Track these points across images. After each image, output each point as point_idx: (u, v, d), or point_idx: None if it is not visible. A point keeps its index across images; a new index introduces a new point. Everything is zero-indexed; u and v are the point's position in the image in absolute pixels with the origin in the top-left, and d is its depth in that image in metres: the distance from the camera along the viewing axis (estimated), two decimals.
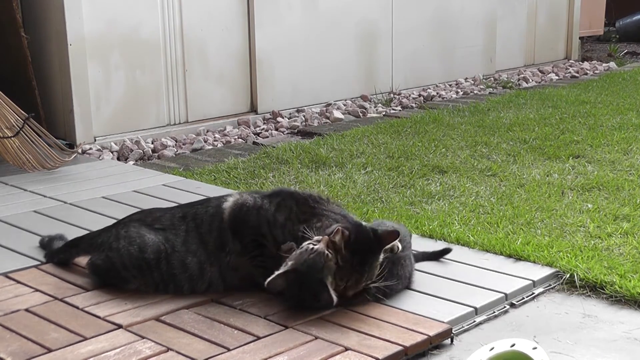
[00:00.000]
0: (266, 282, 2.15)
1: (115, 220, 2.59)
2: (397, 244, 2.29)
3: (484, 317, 2.28)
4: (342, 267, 2.16)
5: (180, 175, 3.79)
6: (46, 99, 4.41)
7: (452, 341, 2.15)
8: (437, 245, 2.79)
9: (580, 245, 2.75)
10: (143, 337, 2.08)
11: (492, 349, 1.93)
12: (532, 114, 5.26)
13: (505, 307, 2.36)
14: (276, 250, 2.25)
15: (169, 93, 4.85)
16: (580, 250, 2.70)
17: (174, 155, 4.41)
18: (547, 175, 3.73)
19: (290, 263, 2.15)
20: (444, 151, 4.23)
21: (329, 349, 2.01)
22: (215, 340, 2.06)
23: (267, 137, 4.93)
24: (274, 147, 4.34)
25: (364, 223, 2.32)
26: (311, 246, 2.16)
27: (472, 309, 2.28)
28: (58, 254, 2.60)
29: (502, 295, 2.38)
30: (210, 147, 4.61)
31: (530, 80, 7.03)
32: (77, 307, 2.26)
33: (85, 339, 2.07)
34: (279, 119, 5.30)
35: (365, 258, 2.18)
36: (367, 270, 2.19)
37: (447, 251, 2.66)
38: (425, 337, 2.08)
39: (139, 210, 2.83)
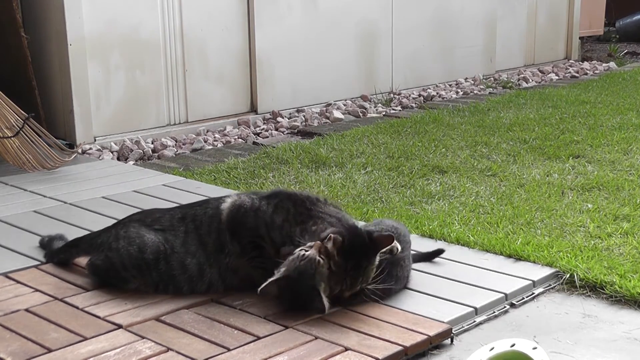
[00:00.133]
0: (259, 290, 2.16)
1: (115, 221, 2.59)
2: (396, 245, 2.29)
3: (484, 317, 2.28)
4: (336, 273, 2.15)
5: (180, 175, 3.79)
6: (46, 99, 4.41)
7: (452, 341, 2.15)
8: (437, 245, 2.79)
9: (580, 245, 2.75)
10: (143, 337, 2.08)
11: (492, 349, 1.93)
12: (532, 114, 5.26)
13: (505, 307, 2.36)
14: (274, 253, 2.25)
15: (169, 93, 4.85)
16: (580, 250, 2.70)
17: (174, 155, 4.41)
18: (547, 175, 3.73)
19: (282, 270, 2.15)
20: (444, 151, 4.23)
21: (329, 349, 2.01)
22: (215, 340, 2.06)
23: (267, 137, 4.93)
24: (274, 147, 4.34)
25: (359, 225, 2.30)
26: (302, 252, 2.15)
27: (472, 309, 2.28)
28: (58, 254, 2.60)
29: (502, 295, 2.38)
30: (210, 147, 4.61)
31: (530, 80, 7.03)
32: (77, 307, 2.26)
33: (85, 339, 2.07)
34: (279, 119, 5.30)
35: (359, 262, 2.17)
36: (361, 274, 2.18)
37: (439, 252, 2.65)
38: (425, 337, 2.08)
39: (139, 210, 2.83)
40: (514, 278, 2.50)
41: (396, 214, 3.12)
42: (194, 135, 4.83)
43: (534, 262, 2.62)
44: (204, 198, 2.67)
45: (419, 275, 2.49)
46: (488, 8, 7.04)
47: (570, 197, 3.37)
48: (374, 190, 3.52)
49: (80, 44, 4.34)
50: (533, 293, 2.45)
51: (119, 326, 2.14)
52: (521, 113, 5.29)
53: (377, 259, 2.21)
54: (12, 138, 3.69)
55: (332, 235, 2.14)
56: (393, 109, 5.76)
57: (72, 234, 2.74)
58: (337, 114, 5.40)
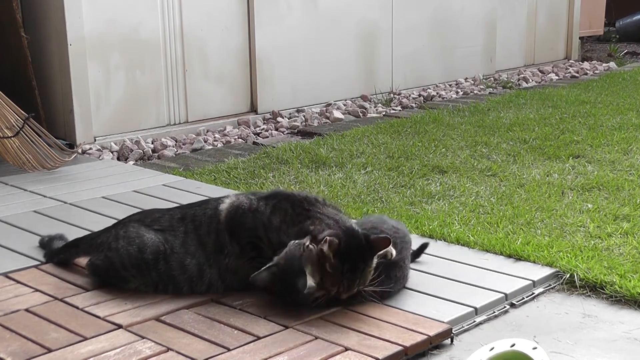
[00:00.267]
0: (250, 277, 2.18)
1: (115, 221, 2.59)
2: (391, 250, 2.28)
3: (484, 317, 2.28)
4: (332, 275, 2.16)
5: (180, 175, 3.79)
6: (46, 99, 4.41)
7: (452, 341, 2.15)
8: (437, 245, 2.79)
9: (580, 245, 2.75)
10: (143, 337, 2.08)
11: (492, 349, 1.93)
12: (532, 114, 5.26)
13: (505, 307, 2.36)
14: (272, 253, 2.25)
15: (169, 93, 4.85)
16: (580, 250, 2.70)
17: (174, 155, 4.41)
18: (547, 175, 3.73)
19: (274, 259, 2.18)
20: (444, 151, 4.23)
21: (329, 349, 2.01)
22: (215, 340, 2.06)
23: (267, 137, 4.93)
24: (274, 147, 4.34)
25: (357, 227, 2.29)
26: (294, 242, 2.18)
27: (472, 309, 2.28)
28: (58, 254, 2.60)
29: (502, 295, 2.38)
30: (210, 147, 4.62)
31: (530, 80, 7.03)
32: (77, 307, 2.26)
33: (85, 339, 2.07)
34: (279, 119, 5.30)
35: (356, 265, 2.17)
36: (358, 276, 2.18)
37: (424, 247, 2.64)
38: (425, 337, 2.08)
39: (139, 210, 2.83)
40: (514, 278, 2.50)
41: (396, 214, 3.12)
42: (194, 135, 4.83)
43: (534, 262, 2.62)
44: (204, 198, 2.67)
45: (419, 275, 2.49)
46: (488, 8, 7.04)
47: (570, 197, 3.37)
48: (374, 190, 3.52)
49: (80, 44, 4.34)
50: (533, 293, 2.45)
51: (119, 326, 2.14)
52: (521, 113, 5.29)
53: (375, 261, 2.21)
54: (12, 138, 3.69)
55: (327, 237, 2.14)
56: (393, 109, 5.76)
57: (72, 234, 2.74)
58: (337, 114, 5.40)
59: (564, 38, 8.25)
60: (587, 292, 2.46)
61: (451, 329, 2.16)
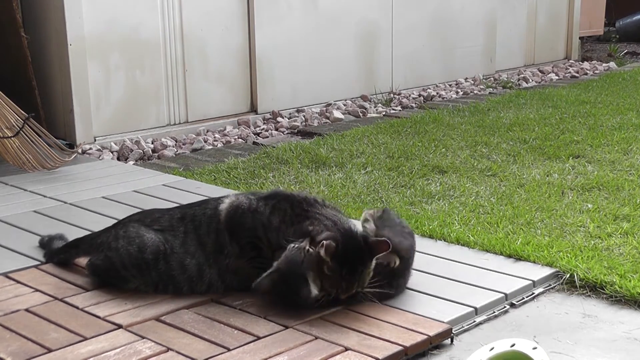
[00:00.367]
0: (253, 284, 2.17)
1: (115, 221, 2.59)
2: (394, 258, 2.28)
3: (484, 317, 2.28)
4: (331, 277, 2.16)
5: (180, 175, 3.79)
6: (46, 99, 4.41)
7: (452, 341, 2.15)
8: (437, 245, 2.79)
9: (580, 245, 2.75)
10: (143, 337, 2.08)
11: (492, 349, 1.93)
12: (532, 114, 5.26)
13: (505, 307, 2.36)
14: (272, 254, 2.25)
15: (169, 93, 4.85)
16: (580, 250, 2.70)
17: (174, 155, 4.41)
18: (547, 175, 3.73)
19: (274, 264, 2.17)
20: (444, 151, 4.23)
21: (329, 349, 2.01)
22: (215, 340, 2.06)
23: (267, 137, 4.93)
24: (274, 147, 4.34)
25: (355, 229, 2.27)
26: (294, 245, 2.18)
27: (472, 309, 2.28)
28: (58, 254, 2.60)
29: (502, 295, 2.38)
30: (210, 147, 4.62)
31: (530, 80, 7.03)
32: (77, 307, 2.26)
33: (85, 339, 2.07)
34: (279, 119, 5.30)
35: (355, 267, 2.17)
36: (357, 279, 2.18)
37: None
38: (425, 337, 2.08)
39: (139, 210, 2.83)
40: (514, 278, 2.50)
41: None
42: (194, 135, 4.83)
43: (534, 262, 2.62)
44: (204, 198, 2.67)
45: (419, 275, 2.49)
46: (488, 8, 7.04)
47: (570, 197, 3.37)
48: (374, 190, 3.52)
49: (80, 44, 4.34)
50: (533, 293, 2.45)
51: (119, 326, 2.14)
52: (521, 113, 5.29)
53: (374, 263, 2.21)
54: (12, 138, 3.69)
55: (324, 242, 2.13)
56: (393, 109, 5.76)
57: (72, 234, 2.74)
58: (337, 114, 5.40)
59: (564, 38, 8.25)
60: (587, 292, 2.46)
61: (451, 329, 2.16)
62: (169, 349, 2.01)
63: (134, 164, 4.17)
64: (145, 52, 4.69)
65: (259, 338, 2.07)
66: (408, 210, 3.21)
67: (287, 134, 5.05)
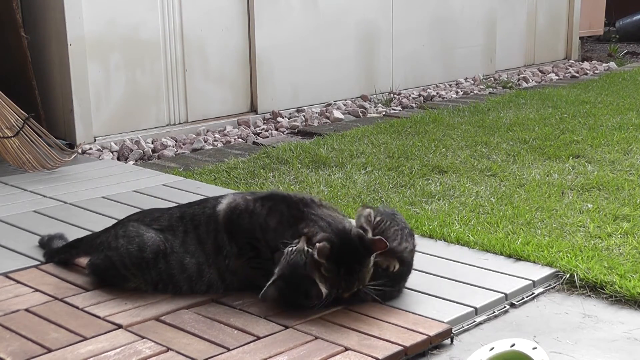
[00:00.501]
0: (260, 295, 2.17)
1: (115, 221, 2.59)
2: (394, 263, 2.28)
3: (484, 317, 2.28)
4: (329, 278, 2.16)
5: (180, 175, 3.79)
6: (46, 99, 4.41)
7: (452, 341, 2.15)
8: (437, 245, 2.79)
9: (580, 245, 2.75)
10: (143, 337, 2.08)
11: (492, 349, 1.93)
12: (532, 114, 5.26)
13: (505, 307, 2.35)
14: (270, 255, 2.25)
15: (169, 93, 4.85)
16: (580, 250, 2.70)
17: (174, 155, 4.41)
18: (547, 175, 3.73)
19: (276, 271, 2.17)
20: (444, 151, 4.23)
21: (329, 349, 2.01)
22: (215, 340, 2.06)
23: (267, 137, 4.93)
24: (274, 147, 4.34)
25: (350, 228, 2.26)
26: (291, 248, 2.17)
27: (472, 309, 2.28)
28: (58, 254, 2.60)
29: (502, 295, 2.38)
30: (210, 147, 4.62)
31: (530, 80, 7.03)
32: (77, 307, 2.26)
33: (85, 339, 2.07)
34: (279, 119, 5.30)
35: (352, 267, 2.17)
36: (355, 278, 2.18)
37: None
38: (425, 337, 2.08)
39: (138, 210, 2.83)
40: (514, 278, 2.50)
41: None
42: (194, 135, 4.83)
43: (534, 262, 2.62)
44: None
45: (419, 275, 2.49)
46: (488, 8, 7.04)
47: (570, 197, 3.37)
48: (374, 190, 3.52)
49: (80, 44, 4.34)
50: (533, 293, 2.45)
51: (119, 326, 2.14)
52: (521, 113, 5.29)
53: (372, 260, 2.21)
54: (12, 138, 3.69)
55: (317, 244, 2.13)
56: (393, 109, 5.76)
57: (72, 234, 2.74)
58: (337, 114, 5.40)
59: (564, 38, 8.25)
60: (587, 292, 2.46)
61: (451, 329, 2.16)
62: (169, 349, 2.01)
63: (134, 164, 4.17)
64: (145, 52, 4.69)
65: (259, 338, 2.07)
66: (408, 210, 3.21)
67: (287, 134, 5.05)
